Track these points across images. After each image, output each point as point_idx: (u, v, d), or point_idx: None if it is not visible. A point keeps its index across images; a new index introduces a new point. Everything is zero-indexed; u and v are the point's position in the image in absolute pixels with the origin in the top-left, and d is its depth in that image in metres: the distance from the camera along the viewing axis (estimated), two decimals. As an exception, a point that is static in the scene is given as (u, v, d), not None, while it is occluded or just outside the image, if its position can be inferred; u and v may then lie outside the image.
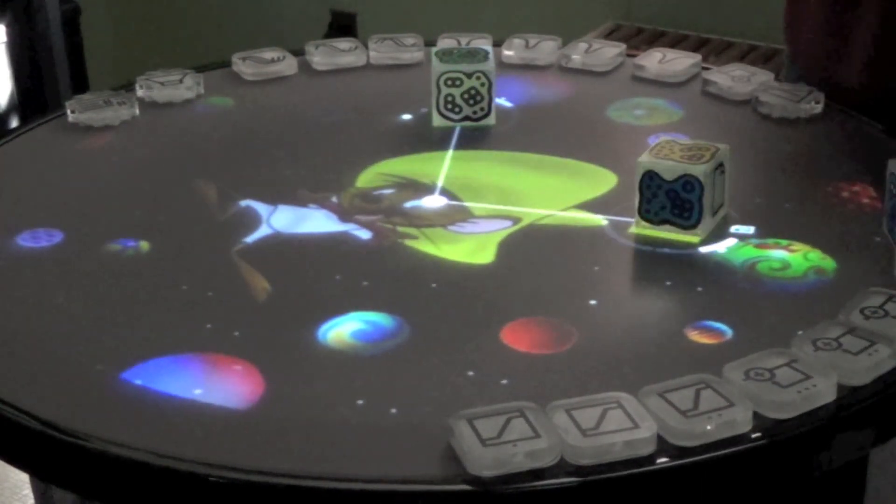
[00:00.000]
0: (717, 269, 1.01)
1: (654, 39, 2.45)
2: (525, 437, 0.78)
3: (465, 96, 1.26)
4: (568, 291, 1.00)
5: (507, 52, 1.41)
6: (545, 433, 0.78)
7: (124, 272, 1.03)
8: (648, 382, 0.83)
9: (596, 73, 1.38)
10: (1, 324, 0.96)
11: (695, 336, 0.92)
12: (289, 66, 1.40)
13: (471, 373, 0.88)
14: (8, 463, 0.87)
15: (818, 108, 1.25)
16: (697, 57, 1.38)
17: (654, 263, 1.04)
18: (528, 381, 0.87)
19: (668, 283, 1.00)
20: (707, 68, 1.37)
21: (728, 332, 0.92)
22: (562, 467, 0.78)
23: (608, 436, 0.78)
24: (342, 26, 2.88)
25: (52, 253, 1.06)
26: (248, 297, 0.99)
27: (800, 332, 0.88)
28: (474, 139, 1.25)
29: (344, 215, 1.11)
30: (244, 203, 1.13)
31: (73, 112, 1.28)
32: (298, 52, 1.43)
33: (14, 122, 2.52)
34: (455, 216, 1.11)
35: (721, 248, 1.04)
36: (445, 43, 1.39)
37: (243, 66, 1.40)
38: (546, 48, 1.41)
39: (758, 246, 1.04)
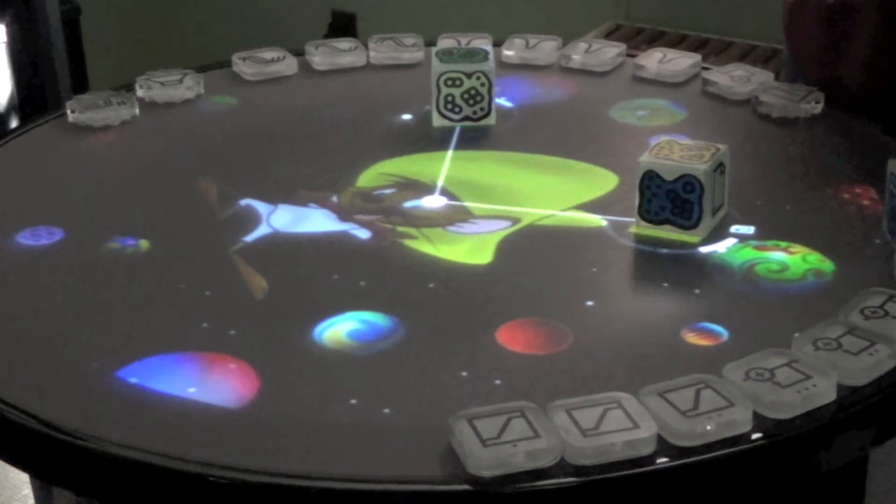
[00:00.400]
0: (715, 271, 1.01)
1: (654, 39, 2.45)
2: (525, 437, 0.78)
3: (465, 96, 1.26)
4: (565, 292, 1.00)
5: (507, 52, 1.41)
6: (545, 433, 0.78)
7: (123, 270, 1.03)
8: (642, 385, 0.83)
9: (596, 73, 1.38)
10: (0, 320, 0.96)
11: (690, 338, 0.92)
12: (289, 66, 1.40)
13: (464, 373, 0.88)
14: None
15: (818, 108, 1.25)
16: (697, 57, 1.38)
17: (653, 264, 1.04)
18: (521, 381, 0.87)
19: (666, 284, 1.00)
20: (707, 68, 1.37)
21: (724, 334, 0.92)
22: (562, 467, 0.78)
23: (608, 436, 0.78)
24: (342, 26, 2.88)
25: (52, 250, 1.06)
26: (246, 296, 0.99)
27: (796, 335, 0.88)
28: (474, 139, 1.25)
29: (343, 215, 1.11)
30: (244, 202, 1.13)
31: (73, 112, 1.28)
32: (298, 52, 1.43)
33: (14, 122, 2.52)
34: (455, 216, 1.11)
35: (721, 248, 1.04)
36: (445, 43, 1.39)
37: (243, 66, 1.40)
38: (546, 48, 1.41)
39: (757, 248, 1.04)
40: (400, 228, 1.08)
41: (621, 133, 1.26)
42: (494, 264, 1.03)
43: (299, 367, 0.90)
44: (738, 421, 0.80)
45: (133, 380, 0.88)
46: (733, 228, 1.06)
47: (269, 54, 1.42)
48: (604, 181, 1.16)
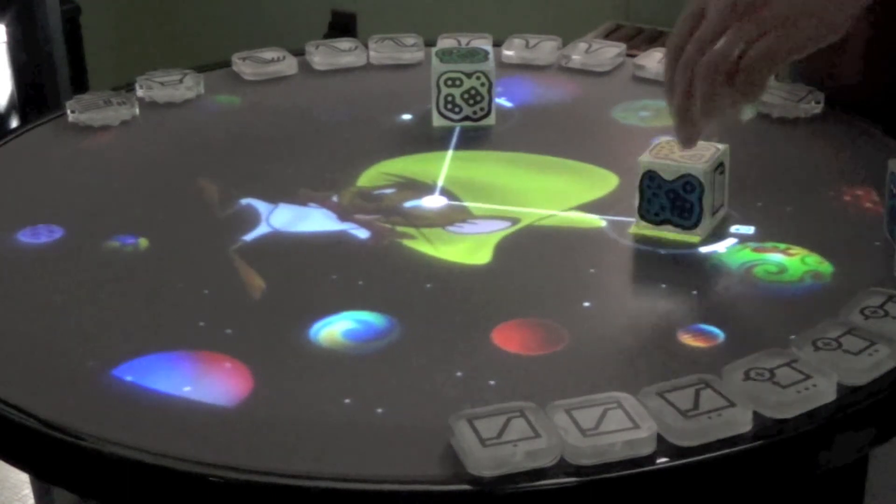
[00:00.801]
0: (713, 272, 1.01)
1: (654, 39, 2.45)
2: (525, 437, 0.78)
3: (465, 96, 1.26)
4: (562, 293, 0.99)
5: (507, 52, 1.41)
6: (545, 433, 0.78)
7: (122, 269, 1.03)
8: (637, 386, 0.83)
9: (596, 73, 1.38)
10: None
11: (686, 339, 0.92)
12: (289, 66, 1.40)
13: (459, 373, 0.88)
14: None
15: (818, 108, 1.25)
16: (697, 57, 1.38)
17: (651, 265, 1.04)
18: (516, 382, 0.87)
19: (664, 285, 1.00)
20: (707, 68, 1.36)
21: (720, 335, 0.92)
22: (562, 467, 0.78)
23: (608, 436, 0.78)
24: (342, 26, 2.88)
25: (52, 249, 1.06)
26: (243, 296, 0.99)
27: (792, 337, 0.88)
28: (474, 139, 1.25)
29: (343, 215, 1.11)
30: (244, 201, 1.13)
31: (73, 112, 1.28)
32: (298, 52, 1.43)
33: (14, 122, 2.52)
34: (454, 216, 1.11)
35: (721, 248, 1.04)
36: (445, 43, 1.39)
37: (243, 66, 1.40)
38: (546, 48, 1.41)
39: (756, 249, 1.03)
40: (399, 228, 1.08)
41: (622, 133, 1.26)
42: (493, 264, 1.03)
43: (294, 367, 0.90)
44: (738, 421, 0.80)
45: (129, 378, 0.88)
46: (733, 229, 1.06)
47: (269, 54, 1.42)
48: (604, 181, 1.16)
